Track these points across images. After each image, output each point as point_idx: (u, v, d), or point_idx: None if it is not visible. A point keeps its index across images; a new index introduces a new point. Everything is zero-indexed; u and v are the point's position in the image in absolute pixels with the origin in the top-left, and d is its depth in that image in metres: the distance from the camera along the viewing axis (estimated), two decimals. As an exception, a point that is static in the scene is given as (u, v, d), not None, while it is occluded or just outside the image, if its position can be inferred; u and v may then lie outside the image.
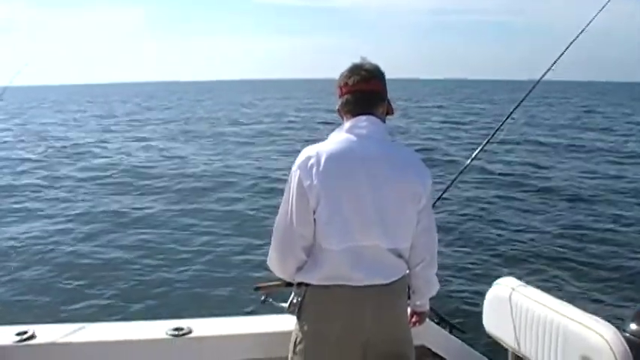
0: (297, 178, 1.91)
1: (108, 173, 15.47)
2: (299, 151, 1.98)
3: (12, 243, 8.63)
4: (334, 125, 2.10)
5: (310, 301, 1.99)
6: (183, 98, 75.35)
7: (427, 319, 2.38)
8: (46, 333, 2.41)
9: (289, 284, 2.09)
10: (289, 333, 2.10)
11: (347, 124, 1.99)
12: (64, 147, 21.68)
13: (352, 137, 1.95)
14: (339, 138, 1.97)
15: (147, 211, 10.87)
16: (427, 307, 2.28)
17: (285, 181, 1.98)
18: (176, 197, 12.13)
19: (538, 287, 2.33)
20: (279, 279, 2.15)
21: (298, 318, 2.03)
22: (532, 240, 8.86)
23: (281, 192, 2.00)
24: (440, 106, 48.40)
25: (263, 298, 2.31)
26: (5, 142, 24.14)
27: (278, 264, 2.05)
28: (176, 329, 2.43)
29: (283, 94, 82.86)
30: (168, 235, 9.10)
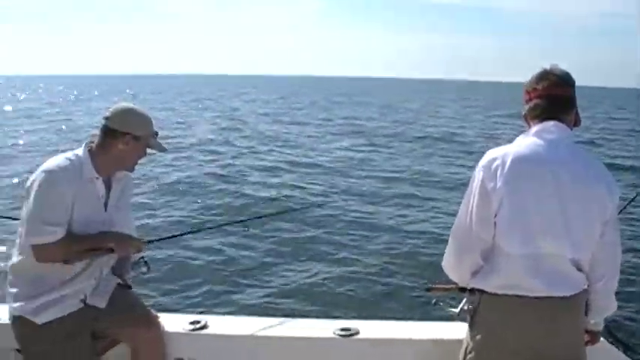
0: (479, 179, 1.87)
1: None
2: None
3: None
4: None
5: (484, 310, 1.92)
6: (370, 94, 74.26)
7: (601, 338, 2.22)
8: (218, 324, 2.55)
9: (463, 289, 2.03)
10: (459, 341, 2.04)
11: (534, 128, 1.92)
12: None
13: (539, 141, 1.88)
14: (526, 142, 1.90)
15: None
16: (602, 327, 2.14)
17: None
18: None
19: None
20: (453, 283, 2.09)
21: (470, 326, 1.98)
22: None
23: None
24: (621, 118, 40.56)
25: (434, 301, 2.28)
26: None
27: (453, 267, 2.01)
28: (343, 329, 2.43)
29: (459, 96, 78.33)
30: (348, 232, 9.04)
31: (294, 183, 12.99)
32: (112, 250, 2.30)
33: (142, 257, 2.46)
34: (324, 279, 7.03)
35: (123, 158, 2.36)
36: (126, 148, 2.33)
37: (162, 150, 2.43)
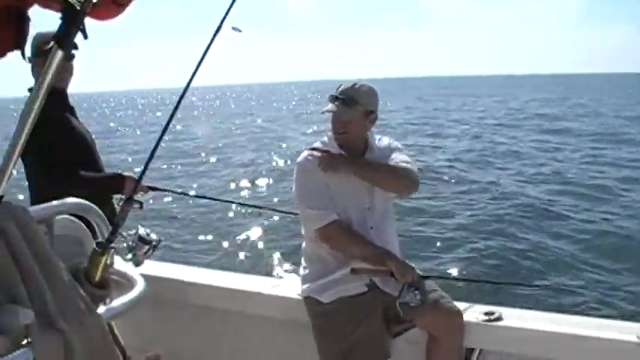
0: None
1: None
2: None
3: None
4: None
5: None
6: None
7: None
8: (513, 316, 2.51)
9: None
10: None
11: None
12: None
13: None
14: None
15: None
16: None
17: None
18: None
19: None
20: None
21: None
22: None
23: None
24: None
25: None
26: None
27: None
28: None
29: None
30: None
31: None
32: (391, 274, 2.39)
33: (417, 288, 2.39)
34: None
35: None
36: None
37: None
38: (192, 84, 1.99)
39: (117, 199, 2.57)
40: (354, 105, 2.46)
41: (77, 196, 1.86)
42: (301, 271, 2.69)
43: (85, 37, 1.20)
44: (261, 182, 14.48)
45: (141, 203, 1.94)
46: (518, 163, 15.79)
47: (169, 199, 11.08)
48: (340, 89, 2.50)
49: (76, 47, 2.31)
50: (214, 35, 1.93)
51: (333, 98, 2.48)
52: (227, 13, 1.95)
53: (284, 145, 21.64)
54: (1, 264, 1.35)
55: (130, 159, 18.82)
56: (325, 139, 2.62)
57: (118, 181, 2.84)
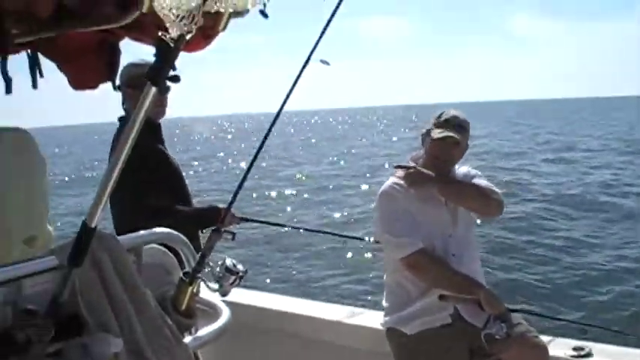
0: None
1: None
2: None
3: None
4: None
5: None
6: None
7: None
8: (603, 352, 2.42)
9: None
10: None
11: None
12: None
13: None
14: None
15: None
16: None
17: None
18: None
19: None
20: None
21: None
22: None
23: None
24: None
25: None
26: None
27: None
28: None
29: None
30: None
31: None
32: (478, 304, 2.29)
33: (503, 320, 2.30)
34: None
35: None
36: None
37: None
38: (280, 107, 2.01)
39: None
40: (465, 133, 2.47)
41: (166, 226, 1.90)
42: (384, 301, 2.62)
43: (174, 70, 1.23)
44: (349, 209, 14.18)
45: (233, 234, 1.96)
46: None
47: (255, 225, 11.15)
48: (450, 115, 2.49)
49: (177, 80, 2.36)
50: (303, 68, 1.97)
51: (446, 124, 2.47)
52: (315, 47, 1.98)
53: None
54: (94, 293, 1.39)
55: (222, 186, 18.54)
56: (411, 163, 2.57)
57: (214, 215, 2.84)
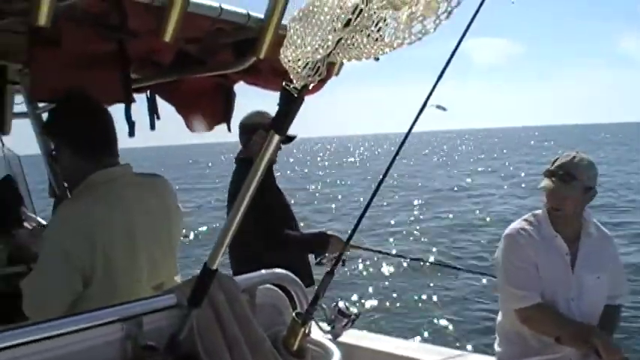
0: None
1: None
2: None
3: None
4: None
5: None
6: None
7: None
8: None
9: None
10: None
11: None
12: None
13: None
14: None
15: None
16: None
17: None
18: None
19: None
20: None
21: None
22: None
23: None
24: None
25: None
26: None
27: None
28: None
29: None
30: None
31: None
32: (595, 351, 2.17)
33: None
34: None
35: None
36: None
37: None
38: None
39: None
40: (572, 181, 2.27)
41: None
42: (496, 347, 2.48)
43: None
44: (462, 239, 13.30)
45: (344, 260, 1.96)
46: None
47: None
48: (558, 163, 2.33)
49: (290, 141, 2.49)
50: (419, 113, 2.03)
51: (550, 173, 2.33)
52: (431, 93, 2.01)
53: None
54: (211, 334, 1.42)
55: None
56: (539, 212, 2.43)
57: (323, 241, 2.89)
